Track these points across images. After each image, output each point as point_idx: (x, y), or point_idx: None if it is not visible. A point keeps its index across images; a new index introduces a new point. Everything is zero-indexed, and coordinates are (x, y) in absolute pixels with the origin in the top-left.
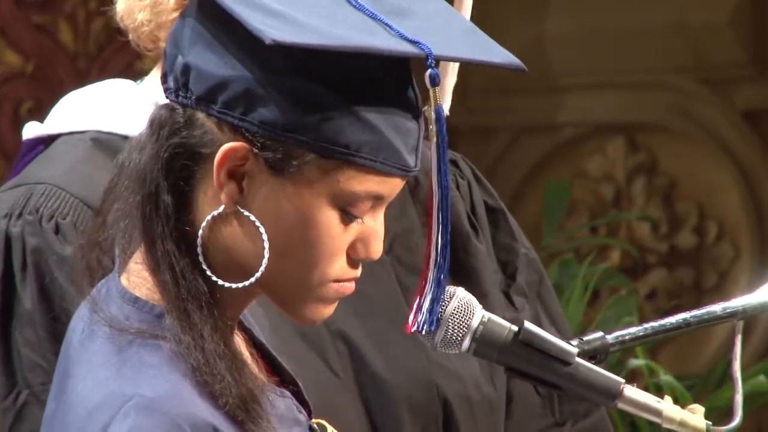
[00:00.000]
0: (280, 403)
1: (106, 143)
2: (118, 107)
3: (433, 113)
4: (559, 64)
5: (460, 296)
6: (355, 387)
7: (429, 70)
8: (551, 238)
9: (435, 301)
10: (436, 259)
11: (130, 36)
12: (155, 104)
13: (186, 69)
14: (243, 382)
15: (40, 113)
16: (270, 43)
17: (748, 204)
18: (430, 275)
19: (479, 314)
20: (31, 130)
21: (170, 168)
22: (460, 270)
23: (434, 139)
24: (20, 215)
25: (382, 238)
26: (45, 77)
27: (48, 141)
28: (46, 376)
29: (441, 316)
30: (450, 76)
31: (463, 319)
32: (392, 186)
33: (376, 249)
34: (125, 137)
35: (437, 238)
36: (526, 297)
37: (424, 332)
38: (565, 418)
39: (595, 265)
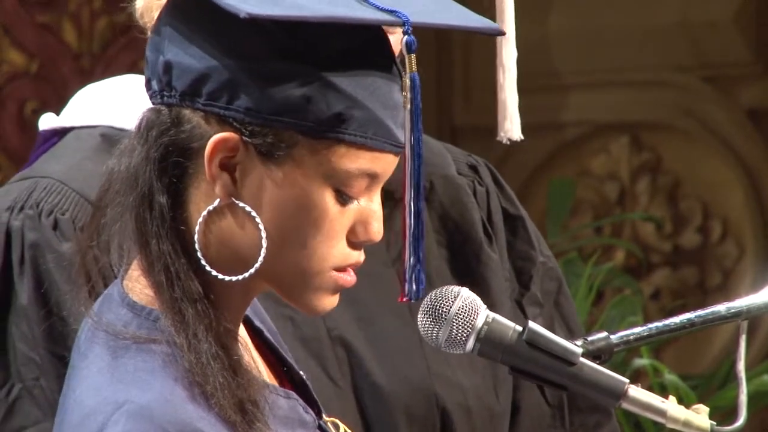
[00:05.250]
0: (283, 403)
1: (115, 139)
2: (131, 103)
3: (407, 80)
4: (563, 63)
5: (464, 296)
6: (352, 394)
7: (405, 37)
8: (555, 238)
9: (415, 268)
10: (411, 227)
11: (149, 34)
12: None
13: (167, 67)
14: (238, 384)
15: (44, 112)
16: (245, 17)
17: (752, 203)
18: (407, 243)
19: (483, 314)
20: (47, 122)
21: (162, 167)
22: (471, 277)
23: (407, 107)
24: (22, 209)
25: (382, 219)
26: (49, 76)
27: (62, 133)
28: (38, 371)
29: (445, 313)
30: (508, 92)
31: (467, 319)
32: (385, 163)
33: (376, 230)
34: None
35: (410, 207)
36: (540, 306)
37: (412, 301)
38: (575, 428)
39: (599, 265)
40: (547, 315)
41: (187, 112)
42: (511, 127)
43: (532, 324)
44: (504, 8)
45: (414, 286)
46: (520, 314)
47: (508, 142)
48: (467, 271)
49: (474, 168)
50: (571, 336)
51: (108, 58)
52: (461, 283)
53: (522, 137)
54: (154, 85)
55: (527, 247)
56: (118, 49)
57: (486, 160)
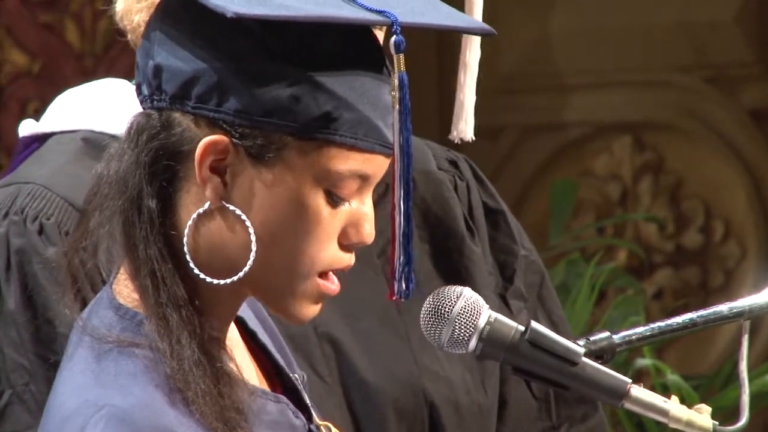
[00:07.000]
0: (273, 408)
1: (96, 143)
2: (111, 107)
3: (396, 80)
4: (566, 64)
5: (466, 296)
6: (340, 390)
7: (393, 37)
8: (557, 238)
9: (405, 265)
10: (400, 226)
11: (129, 36)
12: None
13: (157, 70)
14: (220, 391)
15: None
16: (232, 16)
17: (754, 203)
18: (397, 242)
19: (486, 314)
20: (27, 128)
21: (152, 171)
22: (455, 271)
23: (396, 106)
24: (6, 215)
25: (373, 221)
26: (51, 76)
27: (43, 139)
28: (28, 376)
29: (447, 313)
30: (467, 92)
31: (469, 319)
32: (376, 165)
33: (368, 232)
34: (116, 137)
35: (400, 206)
36: (524, 300)
37: (402, 299)
38: (562, 421)
39: (601, 265)
40: (531, 308)
41: (177, 116)
42: (465, 127)
43: (534, 324)
44: (473, 8)
45: (404, 285)
46: (505, 308)
47: (460, 142)
48: (450, 265)
49: (454, 163)
50: (554, 329)
51: (110, 58)
52: (444, 278)
53: (474, 138)
54: (144, 89)
55: (509, 241)
56: (120, 49)
57: (466, 156)
